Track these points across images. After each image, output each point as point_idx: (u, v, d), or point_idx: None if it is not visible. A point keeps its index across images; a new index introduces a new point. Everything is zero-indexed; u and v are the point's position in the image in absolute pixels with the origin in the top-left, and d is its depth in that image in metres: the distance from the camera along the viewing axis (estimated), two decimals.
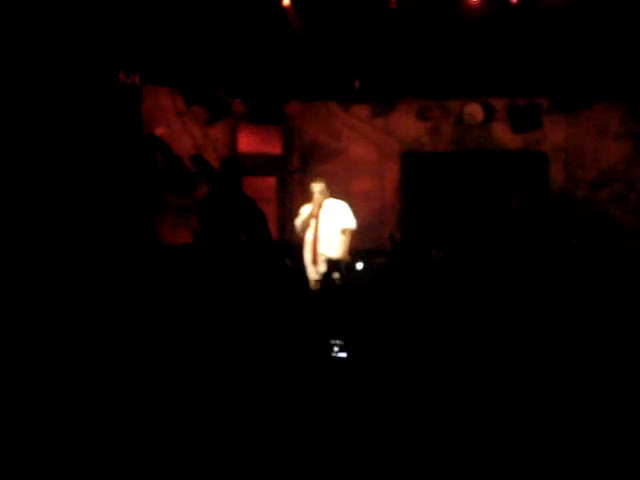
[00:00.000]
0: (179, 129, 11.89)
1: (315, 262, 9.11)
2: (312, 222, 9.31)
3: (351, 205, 10.11)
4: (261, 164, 12.09)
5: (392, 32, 11.51)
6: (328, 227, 9.30)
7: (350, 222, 9.37)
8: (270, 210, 12.08)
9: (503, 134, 11.94)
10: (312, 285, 9.10)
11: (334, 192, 10.68)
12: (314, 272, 9.21)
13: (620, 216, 11.63)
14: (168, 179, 11.81)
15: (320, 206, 9.30)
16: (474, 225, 11.93)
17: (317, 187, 9.29)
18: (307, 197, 9.59)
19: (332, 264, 7.65)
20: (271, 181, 12.13)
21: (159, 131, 11.76)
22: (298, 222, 9.45)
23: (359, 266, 8.90)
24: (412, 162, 12.16)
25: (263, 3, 11.04)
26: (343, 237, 9.27)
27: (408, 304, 5.23)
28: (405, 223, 12.15)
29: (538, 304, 7.18)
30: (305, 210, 9.44)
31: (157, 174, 11.75)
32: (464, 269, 10.51)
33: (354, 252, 9.72)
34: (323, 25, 11.34)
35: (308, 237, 9.34)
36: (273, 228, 12.04)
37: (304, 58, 11.55)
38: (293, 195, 12.12)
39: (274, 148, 12.14)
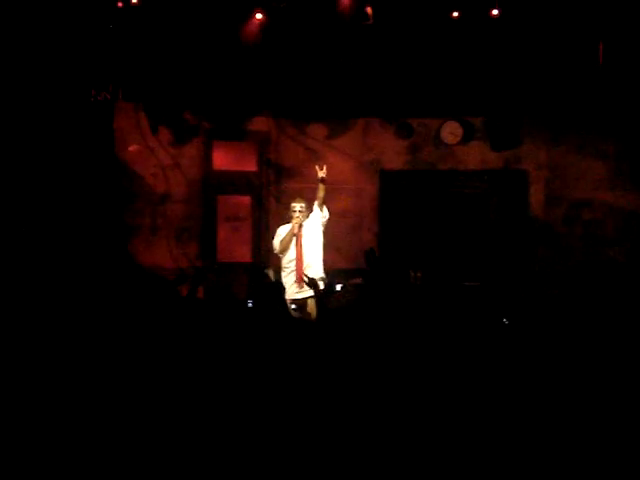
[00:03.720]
0: (153, 146, 11.72)
1: (301, 283, 8.88)
2: (293, 242, 9.10)
3: (328, 225, 9.92)
4: (236, 182, 11.90)
5: (369, 49, 11.42)
6: (311, 246, 9.11)
7: (325, 213, 9.19)
8: (245, 228, 11.90)
9: (482, 152, 11.82)
10: (290, 307, 8.87)
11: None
12: (297, 292, 9.00)
13: (602, 236, 11.51)
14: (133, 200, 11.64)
15: (301, 225, 9.10)
16: (453, 245, 11.79)
17: (298, 206, 9.11)
18: (285, 216, 9.39)
19: (312, 284, 7.41)
20: (246, 199, 11.94)
21: (131, 149, 11.57)
22: (277, 242, 9.24)
23: (338, 287, 8.70)
24: (390, 180, 12.01)
25: (234, 21, 10.97)
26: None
27: (387, 325, 5.03)
28: (383, 243, 11.98)
29: (520, 324, 7.02)
30: (283, 230, 9.24)
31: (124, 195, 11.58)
32: (443, 290, 10.35)
33: (331, 272, 9.54)
34: (300, 41, 11.24)
35: (290, 256, 9.13)
36: (248, 247, 11.87)
37: (280, 74, 11.43)
38: (268, 213, 11.92)
39: (249, 165, 11.96)
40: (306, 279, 8.13)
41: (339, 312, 5.94)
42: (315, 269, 9.04)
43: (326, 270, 9.23)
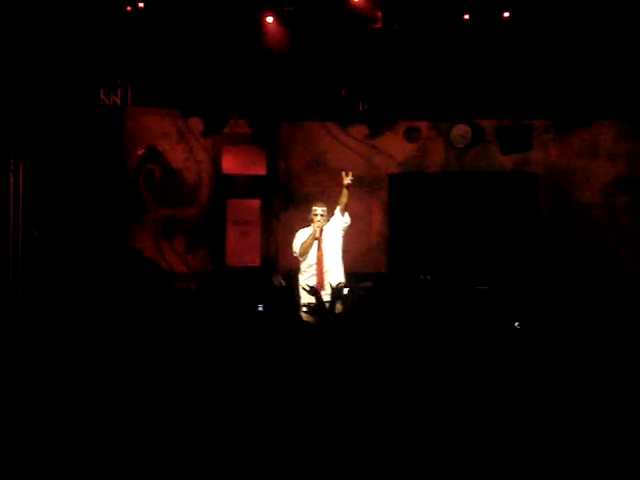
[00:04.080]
0: (164, 150, 11.73)
1: (322, 287, 8.85)
2: (314, 246, 9.08)
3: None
4: (245, 186, 11.90)
5: (379, 52, 11.41)
6: (331, 250, 9.09)
7: (347, 218, 9.17)
8: (254, 233, 11.89)
9: (492, 155, 11.79)
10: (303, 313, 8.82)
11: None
12: (314, 297, 8.95)
13: (613, 238, 11.46)
14: (165, 192, 11.67)
15: (322, 229, 9.09)
16: (463, 249, 11.75)
17: (319, 210, 9.10)
18: (293, 221, 9.39)
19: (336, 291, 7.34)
20: (255, 203, 11.93)
21: (139, 152, 11.59)
22: (297, 245, 9.22)
23: (345, 291, 8.66)
24: (400, 184, 11.98)
25: (247, 25, 10.96)
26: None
27: (396, 329, 5.01)
28: (393, 246, 11.95)
29: (532, 327, 6.98)
30: (303, 233, 9.22)
31: (154, 187, 11.63)
32: (453, 294, 10.31)
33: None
34: (310, 45, 11.23)
35: (310, 260, 9.11)
36: (257, 251, 11.86)
37: (290, 79, 11.43)
38: (278, 218, 11.91)
39: (258, 169, 11.95)
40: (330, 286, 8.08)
41: (348, 316, 5.92)
42: (335, 273, 9.02)
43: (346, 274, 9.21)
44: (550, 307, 9.54)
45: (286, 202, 11.87)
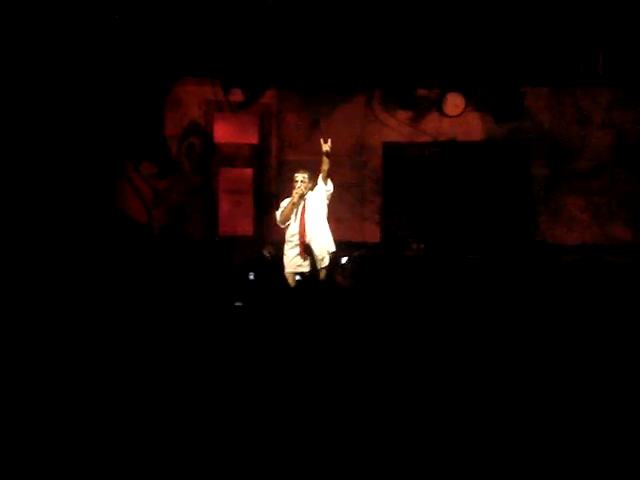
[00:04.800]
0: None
1: (304, 256, 8.84)
2: (297, 216, 9.05)
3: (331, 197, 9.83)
4: (238, 155, 11.86)
5: (372, 19, 11.33)
6: (315, 219, 9.05)
7: (329, 186, 9.14)
8: (247, 202, 11.87)
9: (485, 124, 11.76)
10: (290, 280, 8.84)
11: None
12: (299, 266, 8.95)
13: (605, 207, 11.48)
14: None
15: (303, 197, 9.04)
16: (456, 218, 11.75)
17: (300, 177, 9.04)
18: (288, 189, 9.36)
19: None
20: (248, 172, 11.90)
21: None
22: (278, 213, 9.19)
23: (343, 260, 8.66)
24: (393, 153, 11.96)
25: None
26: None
27: (390, 296, 5.02)
28: (386, 215, 11.95)
29: (521, 295, 7.00)
30: (286, 203, 9.18)
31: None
32: (445, 262, 10.32)
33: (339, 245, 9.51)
34: (302, 12, 11.15)
35: (293, 230, 9.08)
36: (249, 220, 11.85)
37: (284, 45, 11.35)
38: (270, 186, 11.89)
39: (251, 138, 11.90)
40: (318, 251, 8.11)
41: (344, 284, 5.93)
42: (320, 242, 8.99)
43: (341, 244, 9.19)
44: (543, 276, 9.56)
45: (279, 171, 11.84)
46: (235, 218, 11.85)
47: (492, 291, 6.98)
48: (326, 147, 8.95)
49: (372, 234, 11.76)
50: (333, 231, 9.35)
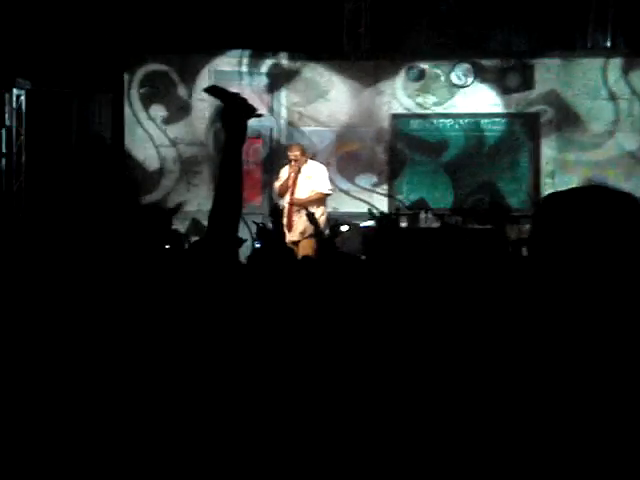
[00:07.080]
0: (162, 89, 11.74)
1: (290, 229, 8.89)
2: (289, 187, 9.12)
3: (339, 168, 9.92)
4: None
5: None
6: (304, 192, 9.11)
7: (323, 186, 9.17)
8: (256, 173, 11.90)
9: (494, 95, 11.74)
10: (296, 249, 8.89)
11: (321, 155, 10.53)
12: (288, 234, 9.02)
13: (613, 178, 11.47)
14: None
15: (298, 171, 9.10)
16: (463, 188, 11.77)
17: (292, 156, 9.12)
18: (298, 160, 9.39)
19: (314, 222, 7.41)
20: (257, 142, 11.91)
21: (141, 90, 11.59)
22: (276, 185, 9.29)
23: (344, 228, 8.71)
24: (401, 123, 11.96)
25: None
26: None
27: (393, 263, 5.05)
28: (393, 185, 11.97)
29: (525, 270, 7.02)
30: (284, 173, 9.26)
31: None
32: (453, 231, 10.34)
33: (344, 215, 9.57)
34: None
35: (285, 202, 9.15)
36: (258, 192, 11.88)
37: (293, 13, 11.31)
38: (280, 158, 11.91)
39: (260, 108, 11.89)
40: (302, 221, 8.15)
41: (345, 250, 5.97)
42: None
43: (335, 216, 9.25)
44: (540, 246, 9.59)
45: (288, 141, 11.85)
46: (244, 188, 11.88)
47: (501, 260, 7.02)
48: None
49: (380, 204, 11.79)
50: (342, 202, 9.42)
